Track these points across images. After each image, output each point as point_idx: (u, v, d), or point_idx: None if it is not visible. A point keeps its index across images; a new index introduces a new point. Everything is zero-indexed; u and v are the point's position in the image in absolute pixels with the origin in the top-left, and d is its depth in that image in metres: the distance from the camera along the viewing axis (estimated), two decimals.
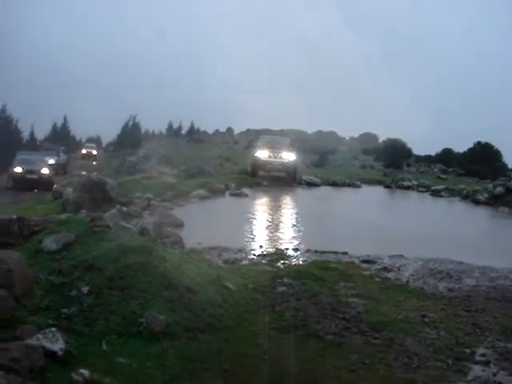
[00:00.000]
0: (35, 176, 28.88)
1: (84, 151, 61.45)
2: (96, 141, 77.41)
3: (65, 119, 67.17)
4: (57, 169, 34.97)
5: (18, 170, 28.92)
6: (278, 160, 29.83)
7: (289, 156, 30.18)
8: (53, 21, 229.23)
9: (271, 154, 29.94)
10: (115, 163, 39.45)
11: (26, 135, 57.36)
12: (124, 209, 16.25)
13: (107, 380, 5.55)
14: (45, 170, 29.70)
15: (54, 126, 65.31)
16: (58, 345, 5.78)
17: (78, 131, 76.00)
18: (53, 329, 6.04)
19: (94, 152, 61.35)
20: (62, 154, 42.90)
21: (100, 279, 7.52)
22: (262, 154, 30.11)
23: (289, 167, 29.83)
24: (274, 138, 34.37)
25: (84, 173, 34.11)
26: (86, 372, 5.48)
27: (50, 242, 8.55)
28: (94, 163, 51.79)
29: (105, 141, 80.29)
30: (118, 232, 9.20)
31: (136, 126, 64.24)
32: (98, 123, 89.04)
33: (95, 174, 23.76)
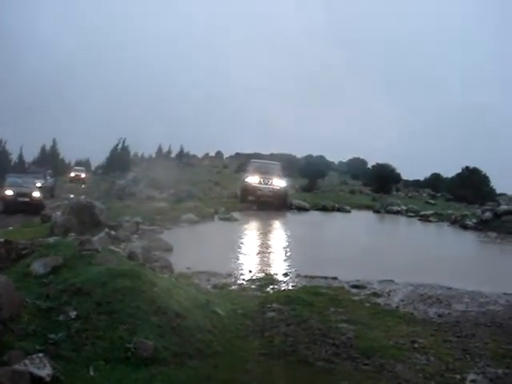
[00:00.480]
0: (27, 199, 28.69)
1: (72, 174, 61.38)
2: (85, 164, 77.42)
3: (54, 142, 67.20)
4: (43, 192, 34.54)
5: (9, 192, 28.70)
6: (269, 186, 29.64)
7: (279, 183, 30.04)
8: (43, 39, 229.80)
9: (261, 180, 29.77)
10: (104, 186, 39.28)
11: (14, 157, 57.23)
12: (113, 232, 16.18)
13: None
14: (36, 193, 29.57)
15: (43, 149, 65.26)
16: (45, 370, 5.71)
17: (67, 154, 76.01)
18: (40, 354, 5.96)
19: (83, 175, 61.19)
20: (48, 178, 42.63)
21: (88, 304, 7.44)
22: (253, 179, 29.92)
23: (279, 194, 29.67)
24: (264, 164, 34.05)
25: (72, 196, 34.00)
26: None
27: (37, 266, 8.47)
28: (83, 186, 51.70)
29: (94, 164, 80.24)
30: (107, 256, 9.14)
31: (125, 149, 64.15)
32: (87, 146, 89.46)
33: (84, 197, 23.68)
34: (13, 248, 9.53)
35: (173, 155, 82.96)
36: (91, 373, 6.37)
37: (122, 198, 30.28)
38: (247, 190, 29.93)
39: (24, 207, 26.96)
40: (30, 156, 64.14)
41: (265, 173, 30.77)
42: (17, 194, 28.61)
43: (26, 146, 61.37)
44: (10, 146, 56.46)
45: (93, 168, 78.39)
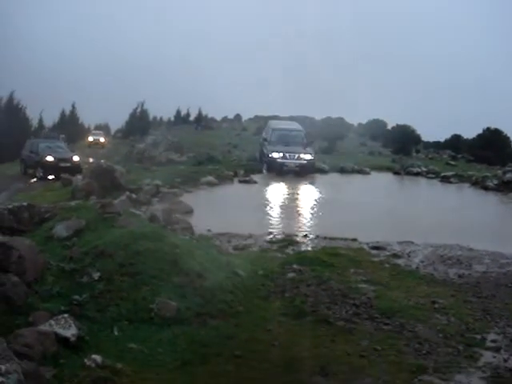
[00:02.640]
0: (68, 164, 28.19)
1: (91, 139, 58.21)
2: (104, 128, 77.22)
3: (73, 106, 66.89)
4: None
5: (50, 158, 28.24)
6: (295, 161, 28.29)
7: (306, 156, 28.65)
8: (61, 11, 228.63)
9: (287, 155, 28.27)
10: (124, 150, 39.38)
11: (34, 123, 57.28)
12: (133, 196, 16.26)
13: (119, 365, 5.59)
14: (76, 157, 29.28)
15: (63, 113, 65.12)
16: (70, 331, 5.83)
17: (87, 118, 75.81)
18: (65, 315, 6.09)
19: (102, 139, 58.19)
20: (62, 143, 42.13)
21: (111, 266, 7.56)
22: (277, 155, 28.32)
23: (306, 167, 28.40)
24: (288, 131, 31.85)
25: (91, 160, 34.05)
26: (98, 358, 5.53)
27: (60, 229, 8.59)
28: (102, 151, 50.73)
29: (113, 128, 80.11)
30: (128, 219, 9.23)
31: (144, 112, 63.94)
32: (106, 110, 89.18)
33: (104, 161, 23.77)
34: (36, 212, 9.66)
35: (191, 118, 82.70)
36: (115, 333, 6.50)
37: (142, 162, 30.32)
38: (273, 166, 28.29)
39: (65, 172, 25.99)
40: (50, 121, 64.19)
41: (289, 143, 29.39)
42: (58, 160, 28.21)
43: (45, 111, 61.37)
44: (30, 111, 56.29)
45: (112, 132, 78.50)
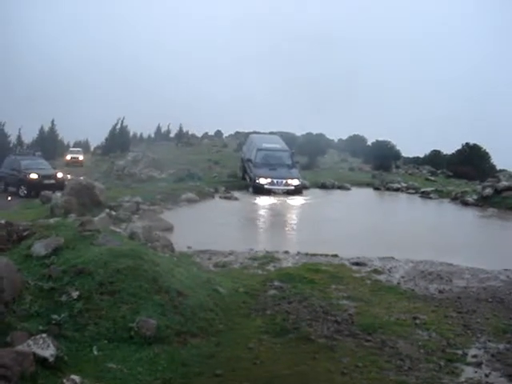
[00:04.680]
0: (52, 181, 27.85)
1: (69, 157, 54.28)
2: (84, 145, 76.94)
3: (52, 123, 66.48)
4: None
5: (34, 176, 27.83)
6: (283, 187, 27.90)
7: (294, 181, 28.30)
8: (40, 23, 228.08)
9: (275, 181, 27.88)
10: (103, 167, 39.22)
11: (13, 139, 56.76)
12: (113, 213, 16.20)
13: None
14: (59, 174, 28.97)
15: (41, 130, 64.64)
16: (48, 351, 5.73)
17: (67, 135, 75.31)
18: (43, 335, 5.99)
19: (81, 157, 54.73)
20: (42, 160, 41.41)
21: (90, 284, 7.46)
22: (264, 181, 27.87)
23: (293, 191, 27.95)
24: (273, 152, 31.12)
25: (70, 177, 33.77)
26: (76, 378, 5.44)
27: (38, 247, 8.47)
28: (81, 169, 48.77)
29: (93, 144, 79.74)
30: (108, 236, 9.14)
31: (124, 129, 63.55)
32: (86, 126, 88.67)
33: (83, 177, 23.60)
34: (14, 230, 9.52)
35: (172, 135, 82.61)
36: (95, 352, 6.41)
37: (122, 179, 30.21)
38: (259, 190, 27.68)
39: (49, 189, 25.35)
40: (29, 137, 63.64)
41: (275, 166, 28.89)
42: (42, 177, 27.85)
43: (24, 128, 60.87)
44: (9, 127, 55.72)
45: (92, 149, 78.08)
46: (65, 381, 5.38)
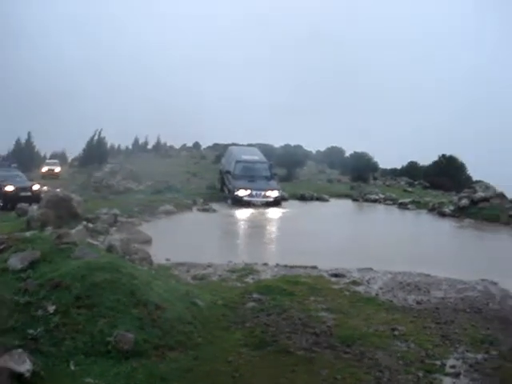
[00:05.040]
0: (28, 193, 27.40)
1: (45, 169, 52.70)
2: (61, 156, 76.32)
3: (28, 135, 65.97)
4: None
5: (10, 188, 27.28)
6: (262, 199, 28.01)
7: (273, 193, 28.41)
8: (13, 35, 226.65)
9: (254, 193, 28.01)
10: (81, 179, 38.95)
11: None
12: (90, 225, 16.08)
13: None
14: (36, 186, 28.59)
15: (18, 142, 64.11)
16: (24, 366, 5.67)
17: (43, 146, 74.70)
18: (19, 350, 5.92)
19: (57, 169, 53.14)
20: (18, 171, 40.71)
21: (67, 298, 7.38)
22: (243, 193, 28.02)
23: (273, 202, 28.11)
24: (246, 153, 32.52)
25: (46, 189, 33.40)
26: None
27: (14, 261, 8.37)
28: (58, 182, 47.70)
29: (70, 156, 79.17)
30: (85, 249, 9.06)
31: (101, 140, 63.19)
32: (63, 138, 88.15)
33: (59, 189, 23.39)
34: None
35: (149, 146, 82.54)
36: (72, 367, 6.33)
37: (100, 191, 30.02)
38: (238, 202, 27.79)
39: (25, 201, 24.93)
40: (4, 149, 63.04)
41: (254, 178, 29.04)
42: (18, 189, 27.42)
43: (0, 139, 60.33)
44: None
45: (69, 160, 77.58)
46: None
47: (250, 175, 29.38)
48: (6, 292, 7.54)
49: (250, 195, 27.93)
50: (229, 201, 28.43)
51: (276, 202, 28.25)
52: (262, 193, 28.16)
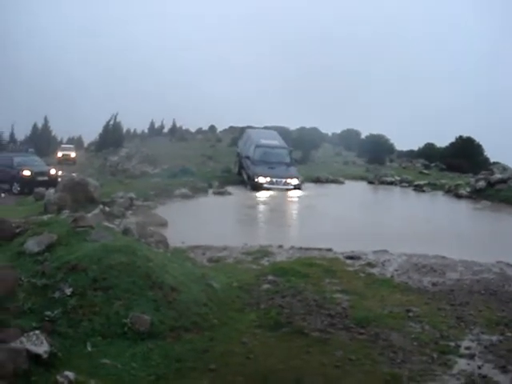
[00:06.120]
0: (45, 177, 27.62)
1: (60, 154, 52.10)
2: (77, 141, 76.74)
3: (45, 119, 66.34)
4: None
5: (27, 173, 27.59)
6: (282, 186, 27.53)
7: (293, 181, 27.94)
8: (33, 21, 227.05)
9: (274, 181, 27.56)
10: (97, 163, 39.14)
11: (6, 136, 56.63)
12: (107, 209, 16.15)
13: (92, 382, 5.52)
14: (53, 171, 28.79)
15: (35, 127, 64.47)
16: (42, 347, 5.74)
17: (60, 131, 75.10)
18: (37, 331, 5.98)
19: (73, 154, 52.86)
20: (35, 156, 40.86)
21: (83, 280, 7.46)
22: (263, 179, 27.58)
23: (292, 189, 27.67)
24: (265, 136, 31.81)
25: (62, 173, 33.62)
26: (70, 374, 5.45)
27: (32, 244, 8.46)
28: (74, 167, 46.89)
29: (86, 141, 79.48)
30: (101, 232, 9.12)
31: (117, 125, 63.30)
32: (79, 123, 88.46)
33: (76, 174, 23.53)
34: (6, 226, 9.49)
35: (165, 130, 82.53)
36: (88, 348, 6.42)
37: (115, 175, 30.17)
38: (258, 189, 27.24)
39: (42, 186, 24.96)
40: (21, 134, 63.43)
41: (274, 164, 28.50)
42: (35, 174, 27.68)
43: (17, 125, 60.59)
44: (2, 124, 55.46)
45: (85, 145, 77.90)
46: (58, 377, 5.39)
47: (269, 161, 28.90)
48: (24, 275, 7.63)
49: (271, 182, 27.50)
50: (248, 187, 28.18)
51: (296, 189, 27.90)
52: (283, 180, 27.73)
